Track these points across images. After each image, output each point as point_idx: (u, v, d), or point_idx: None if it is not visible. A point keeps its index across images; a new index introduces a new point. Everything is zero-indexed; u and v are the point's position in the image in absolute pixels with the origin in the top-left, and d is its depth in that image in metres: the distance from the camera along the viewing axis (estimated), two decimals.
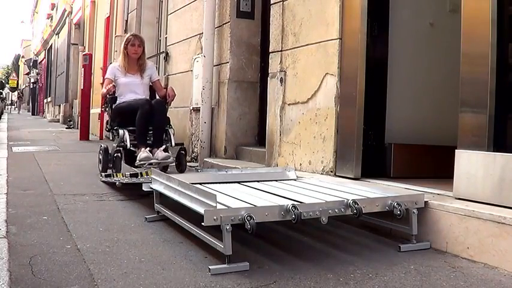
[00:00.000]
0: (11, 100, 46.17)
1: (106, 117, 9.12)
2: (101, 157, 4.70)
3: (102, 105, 4.92)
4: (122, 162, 4.52)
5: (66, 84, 17.70)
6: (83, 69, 9.91)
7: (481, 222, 2.27)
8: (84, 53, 11.99)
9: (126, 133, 4.42)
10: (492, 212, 2.25)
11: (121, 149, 4.43)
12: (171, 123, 4.69)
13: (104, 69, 10.30)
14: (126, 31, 9.14)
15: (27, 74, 37.35)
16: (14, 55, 54.92)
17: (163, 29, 8.06)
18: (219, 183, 3.16)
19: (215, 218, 2.11)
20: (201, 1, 5.75)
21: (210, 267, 2.11)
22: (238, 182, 3.20)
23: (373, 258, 2.34)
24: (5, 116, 22.88)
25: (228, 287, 1.95)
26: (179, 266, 2.20)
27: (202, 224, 2.14)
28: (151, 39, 8.46)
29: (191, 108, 5.98)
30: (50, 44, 24.87)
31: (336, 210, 2.35)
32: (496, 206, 2.35)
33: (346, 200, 2.38)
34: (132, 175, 3.94)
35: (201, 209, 2.20)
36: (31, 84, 35.78)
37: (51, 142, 8.62)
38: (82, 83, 10.00)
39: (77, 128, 11.79)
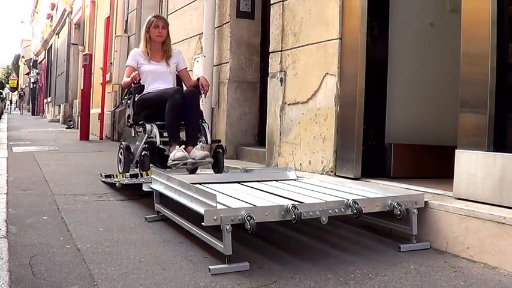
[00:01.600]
0: (11, 100, 46.15)
1: (109, 112, 9.02)
2: (121, 156, 4.22)
3: (124, 96, 4.24)
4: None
5: (66, 84, 17.70)
6: (83, 69, 9.90)
7: (481, 222, 2.27)
8: (84, 53, 12.00)
9: (155, 128, 3.84)
10: (492, 212, 2.25)
11: (149, 146, 3.87)
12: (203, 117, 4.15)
13: (104, 69, 10.34)
14: (126, 31, 9.16)
15: (27, 74, 37.35)
16: (14, 55, 55.05)
17: None
18: (219, 183, 3.15)
19: (215, 218, 2.11)
20: (201, 1, 5.75)
21: (210, 267, 2.11)
22: (238, 182, 3.20)
23: (373, 258, 2.34)
24: (5, 116, 22.88)
25: (228, 287, 1.95)
26: (179, 266, 2.20)
27: (202, 224, 2.14)
28: None
29: None
30: (50, 44, 24.87)
31: (336, 210, 2.35)
32: (496, 206, 2.35)
33: (346, 200, 2.38)
34: (132, 175, 3.92)
35: (201, 209, 2.20)
36: (31, 84, 35.79)
37: (51, 142, 8.62)
38: (82, 83, 10.00)
39: (77, 128, 11.79)
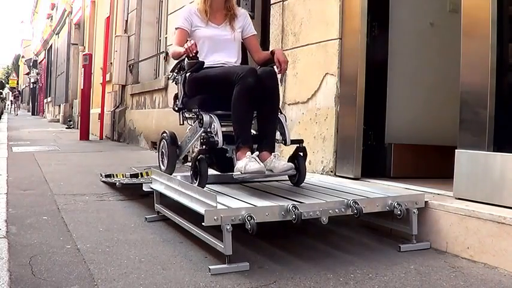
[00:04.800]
0: (11, 100, 46.14)
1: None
2: (164, 150, 3.24)
3: (171, 70, 3.17)
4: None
5: (66, 84, 17.71)
6: (83, 69, 9.91)
7: (481, 222, 2.27)
8: (84, 53, 12.00)
9: (216, 121, 2.77)
10: (492, 212, 2.25)
11: (206, 147, 2.77)
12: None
13: (104, 69, 10.33)
14: (126, 31, 9.16)
15: (27, 74, 37.36)
16: (14, 55, 55.07)
17: (163, 29, 8.06)
18: (219, 183, 3.15)
19: (215, 218, 2.11)
20: None
21: (210, 267, 2.11)
22: (239, 182, 3.20)
23: (373, 258, 2.34)
24: (5, 116, 22.89)
25: (228, 287, 1.95)
26: (179, 266, 2.20)
27: (203, 224, 2.14)
28: (151, 39, 8.47)
29: None
30: (50, 44, 24.89)
31: (336, 210, 2.35)
32: (496, 206, 2.35)
33: (346, 200, 2.38)
34: (132, 175, 3.92)
35: (201, 209, 2.20)
36: (31, 84, 35.79)
37: (51, 142, 8.62)
38: (82, 83, 10.01)
39: (77, 128, 11.80)
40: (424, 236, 2.52)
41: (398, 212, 2.42)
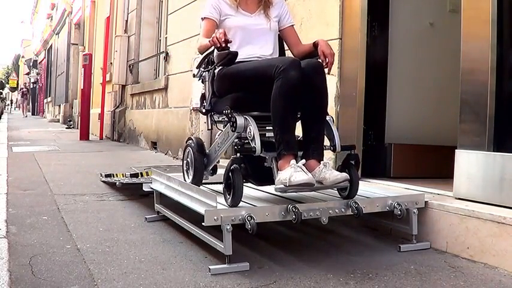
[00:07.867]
0: (11, 100, 46.09)
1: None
2: (189, 158, 2.79)
3: (197, 66, 2.74)
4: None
5: (66, 84, 17.72)
6: (83, 69, 9.91)
7: (481, 222, 2.27)
8: (84, 53, 12.00)
9: (253, 124, 2.34)
10: (492, 212, 2.25)
11: (241, 155, 2.36)
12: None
13: (104, 69, 10.33)
14: (126, 31, 9.16)
15: (27, 74, 37.32)
16: (14, 55, 55.07)
17: (163, 29, 8.06)
18: (220, 183, 3.14)
19: (215, 218, 2.11)
20: (201, 1, 5.75)
21: (210, 267, 2.11)
22: None
23: (373, 258, 2.34)
24: (5, 116, 22.89)
25: (228, 287, 1.95)
26: (179, 266, 2.20)
27: (203, 224, 2.14)
28: (151, 39, 8.47)
29: (191, 108, 5.98)
30: (50, 44, 24.89)
31: (336, 210, 2.35)
32: (496, 206, 2.35)
33: (346, 200, 2.38)
34: (132, 175, 3.92)
35: (201, 209, 2.20)
36: (31, 84, 35.76)
37: (51, 142, 8.62)
38: (82, 83, 10.01)
39: (77, 128, 11.80)
40: (424, 236, 2.52)
41: (399, 212, 2.42)
